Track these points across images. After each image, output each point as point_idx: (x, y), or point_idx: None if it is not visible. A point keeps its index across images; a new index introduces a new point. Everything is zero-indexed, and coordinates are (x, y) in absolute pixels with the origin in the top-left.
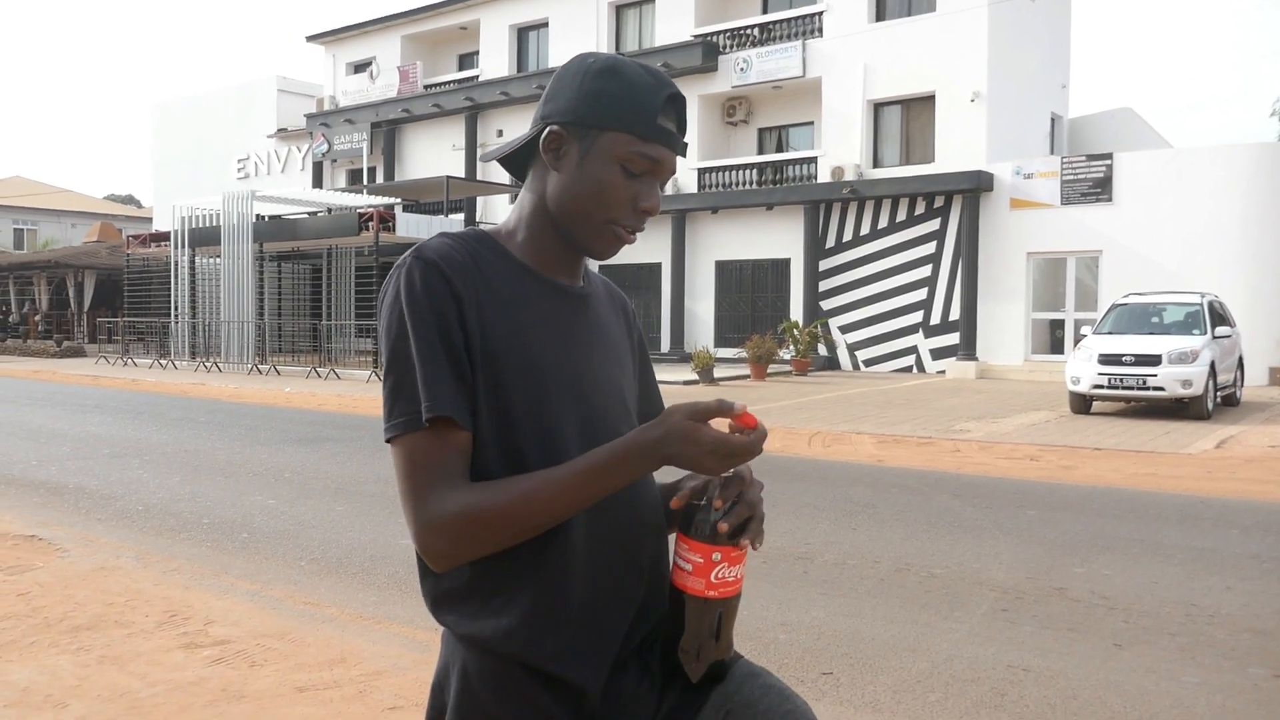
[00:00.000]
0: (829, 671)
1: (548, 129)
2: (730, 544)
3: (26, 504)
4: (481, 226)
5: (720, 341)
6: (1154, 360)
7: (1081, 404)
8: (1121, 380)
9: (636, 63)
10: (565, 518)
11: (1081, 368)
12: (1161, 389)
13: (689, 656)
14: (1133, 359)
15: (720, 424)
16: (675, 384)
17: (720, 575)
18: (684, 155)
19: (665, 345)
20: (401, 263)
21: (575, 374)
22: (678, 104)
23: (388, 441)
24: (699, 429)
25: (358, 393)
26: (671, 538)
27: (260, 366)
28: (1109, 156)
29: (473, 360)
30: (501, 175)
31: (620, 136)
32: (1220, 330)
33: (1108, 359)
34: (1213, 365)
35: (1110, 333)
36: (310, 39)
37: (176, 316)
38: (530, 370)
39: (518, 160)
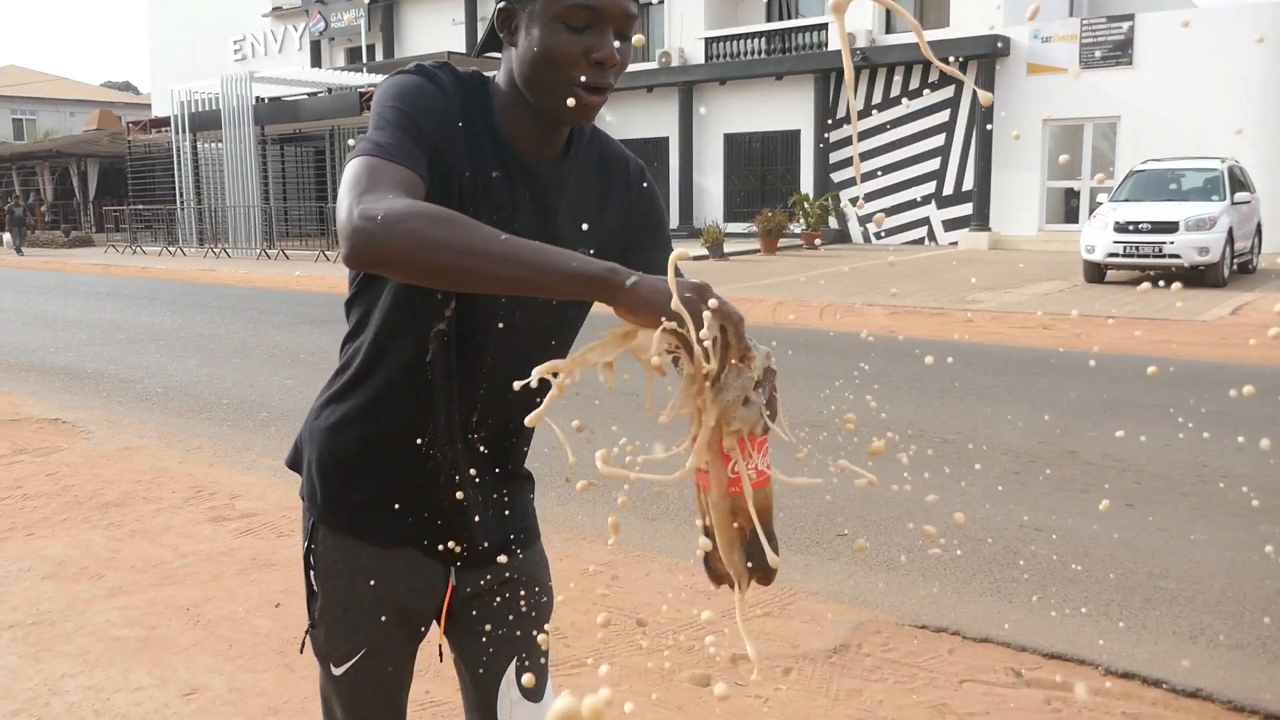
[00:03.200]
0: (844, 533)
1: (498, 6)
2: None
3: (48, 389)
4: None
5: (730, 216)
6: (1171, 227)
7: (1096, 273)
8: (1137, 248)
9: None
10: (478, 282)
11: (1096, 236)
12: (1178, 256)
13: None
14: (1149, 226)
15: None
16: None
17: (751, 467)
18: None
19: (674, 221)
20: (413, 66)
21: None
22: None
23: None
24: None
25: None
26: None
27: (268, 251)
28: (1130, 17)
29: (431, 177)
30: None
31: None
32: (1239, 196)
33: (1123, 226)
34: (1230, 232)
35: (1127, 200)
36: None
37: (182, 203)
38: None
39: (495, 47)
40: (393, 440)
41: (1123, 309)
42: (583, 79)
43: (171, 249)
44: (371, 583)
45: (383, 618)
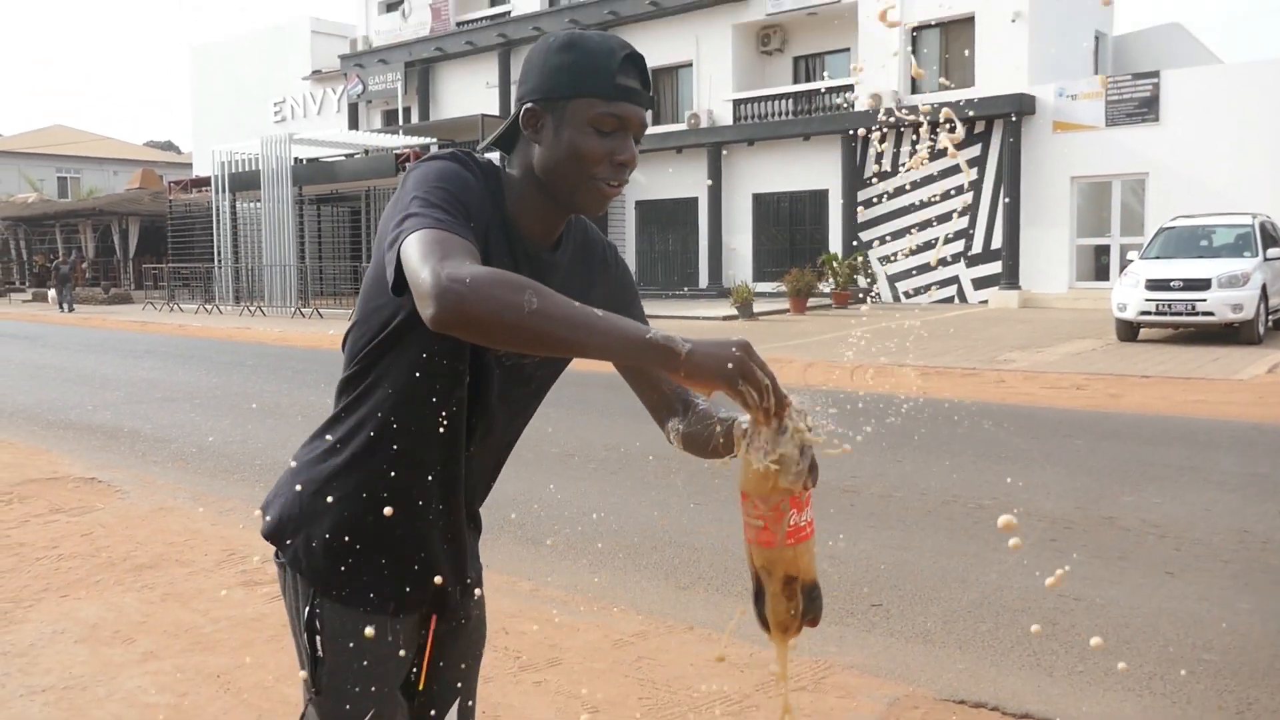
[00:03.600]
0: (879, 604)
1: (524, 107)
2: (800, 491)
3: (85, 447)
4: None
5: (759, 276)
6: (1203, 285)
7: (1128, 331)
8: (1170, 306)
9: (594, 33)
10: (549, 344)
11: (1128, 294)
12: (1211, 314)
13: (782, 609)
14: (1181, 284)
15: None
16: (714, 319)
17: (794, 521)
18: (649, 108)
19: (704, 280)
20: (443, 153)
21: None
22: (636, 62)
23: (393, 243)
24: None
25: None
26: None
27: (303, 309)
28: (1155, 75)
29: None
30: None
31: (586, 101)
32: (1272, 252)
33: (1155, 284)
34: (1264, 288)
35: (1158, 257)
36: None
37: (220, 261)
38: None
39: (507, 143)
40: (402, 510)
41: (1157, 368)
42: (605, 176)
43: (208, 307)
44: (378, 648)
45: (388, 680)
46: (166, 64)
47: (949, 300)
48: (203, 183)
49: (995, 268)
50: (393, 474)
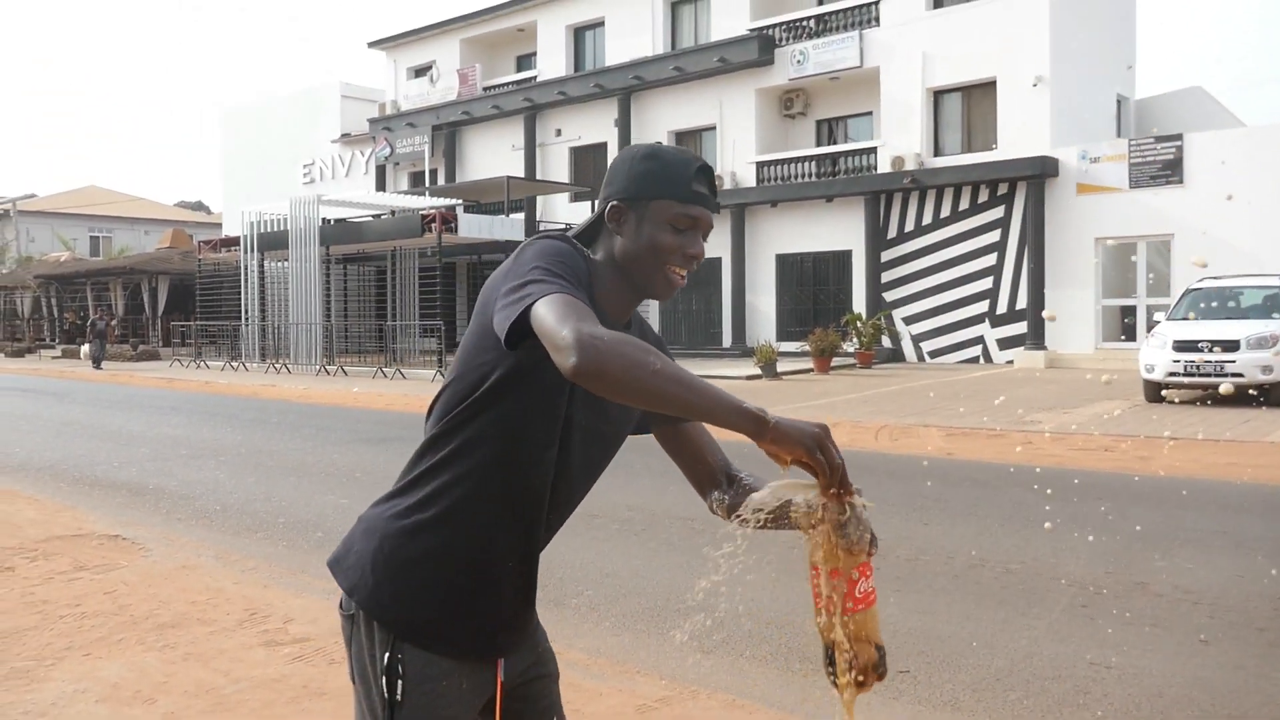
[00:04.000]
0: (905, 670)
1: (610, 205)
2: (865, 560)
3: (110, 504)
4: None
5: (782, 335)
6: (1232, 346)
7: (1156, 392)
8: (1198, 367)
9: (671, 146)
10: (665, 402)
11: (1156, 355)
12: (1241, 375)
13: (855, 670)
14: (1209, 345)
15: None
16: (738, 378)
17: (863, 589)
18: (716, 212)
19: (727, 340)
20: (555, 233)
21: (584, 402)
22: (707, 173)
23: (516, 303)
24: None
25: (423, 392)
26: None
27: (328, 367)
28: (1179, 137)
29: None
30: (560, 174)
31: (665, 203)
32: None
33: (1183, 345)
34: None
35: (1185, 318)
36: (372, 45)
37: (246, 319)
38: (557, 384)
39: (589, 235)
40: (483, 565)
41: (1186, 430)
42: (676, 266)
43: (234, 364)
44: (452, 691)
45: (457, 714)
46: (199, 126)
47: (974, 360)
48: (232, 242)
49: (1020, 328)
50: (479, 531)
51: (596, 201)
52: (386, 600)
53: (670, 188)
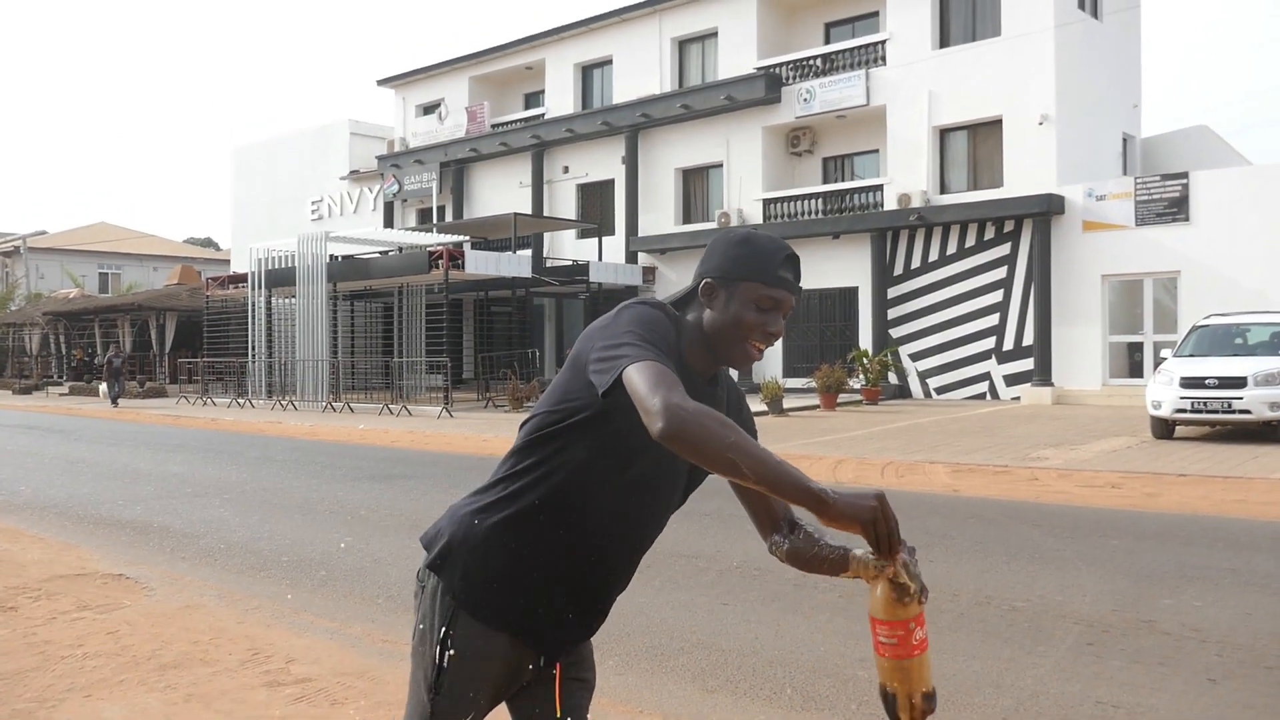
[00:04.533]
0: None
1: (704, 281)
2: (918, 610)
3: (114, 543)
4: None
5: (789, 372)
6: (1239, 383)
7: (1164, 429)
8: (1205, 404)
9: (764, 235)
10: (736, 473)
11: (1163, 392)
12: (1248, 412)
13: (913, 710)
14: (1216, 381)
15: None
16: None
17: (918, 636)
18: (798, 295)
19: (735, 375)
20: (649, 300)
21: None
22: (794, 261)
23: (611, 360)
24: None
25: (429, 429)
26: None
27: (334, 404)
28: (1184, 175)
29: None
30: (567, 210)
31: (753, 284)
32: None
33: (1190, 382)
34: None
35: (1192, 355)
36: (381, 82)
37: (254, 356)
38: (644, 431)
39: (683, 302)
40: (548, 564)
41: (1194, 466)
42: (756, 342)
43: (241, 400)
44: (494, 665)
45: (492, 694)
46: (209, 163)
47: (981, 397)
48: (240, 279)
49: (1027, 364)
50: (538, 537)
51: (693, 276)
52: (457, 576)
53: (759, 272)
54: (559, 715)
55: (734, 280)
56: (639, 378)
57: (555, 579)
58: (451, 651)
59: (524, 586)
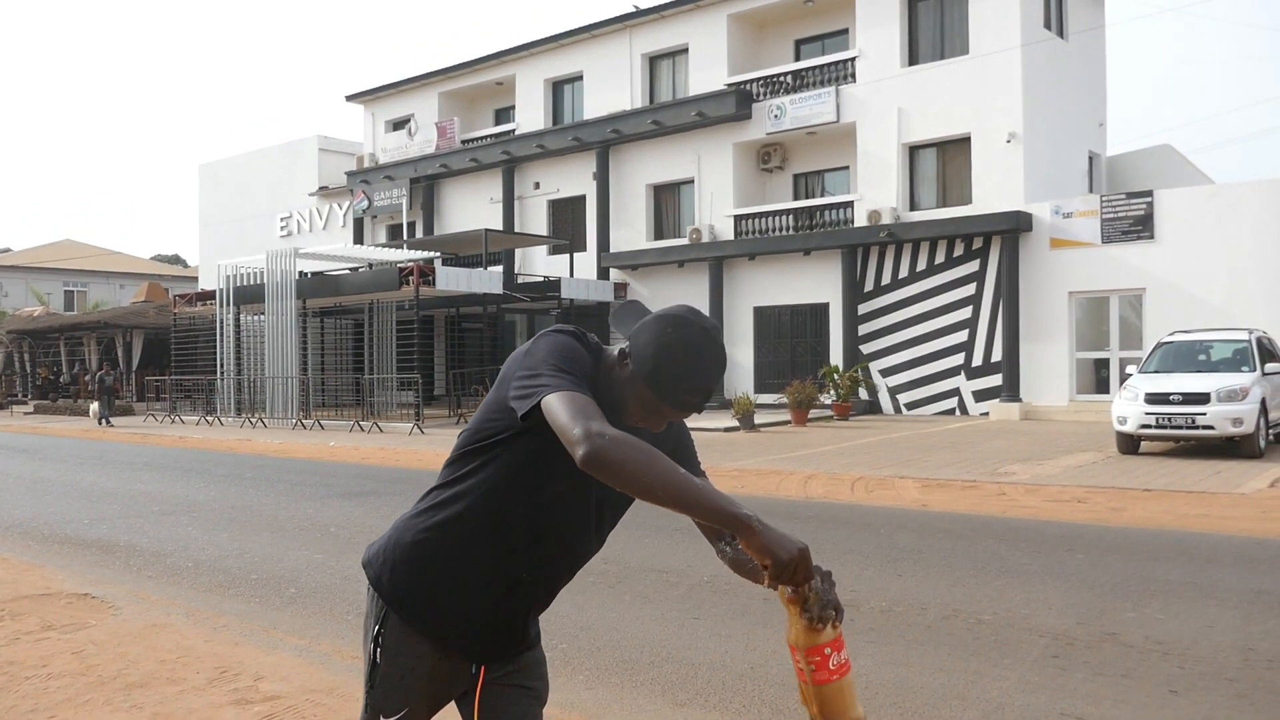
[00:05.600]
0: None
1: (621, 349)
2: (833, 635)
3: (79, 562)
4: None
5: (760, 387)
6: (1203, 399)
7: (1129, 444)
8: (1170, 420)
9: (695, 336)
10: (656, 499)
11: (1128, 408)
12: (1211, 428)
13: None
14: (1180, 398)
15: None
16: (715, 430)
17: (835, 661)
18: (699, 412)
19: None
20: (568, 329)
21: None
22: (702, 393)
23: (530, 390)
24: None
25: (400, 445)
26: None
27: (304, 421)
28: (1149, 194)
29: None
30: (538, 227)
31: (654, 394)
32: (1270, 367)
33: (1155, 398)
34: (1264, 402)
35: (1156, 371)
36: (350, 98)
37: (222, 373)
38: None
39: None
40: (465, 571)
41: (1158, 481)
42: (650, 424)
43: (209, 418)
44: (421, 666)
45: (426, 692)
46: (176, 179)
47: (950, 412)
48: (208, 296)
49: (996, 380)
50: (464, 543)
51: (627, 330)
52: (385, 577)
53: (663, 389)
54: None
55: (643, 379)
56: (559, 406)
57: (475, 588)
58: (380, 648)
59: (444, 591)
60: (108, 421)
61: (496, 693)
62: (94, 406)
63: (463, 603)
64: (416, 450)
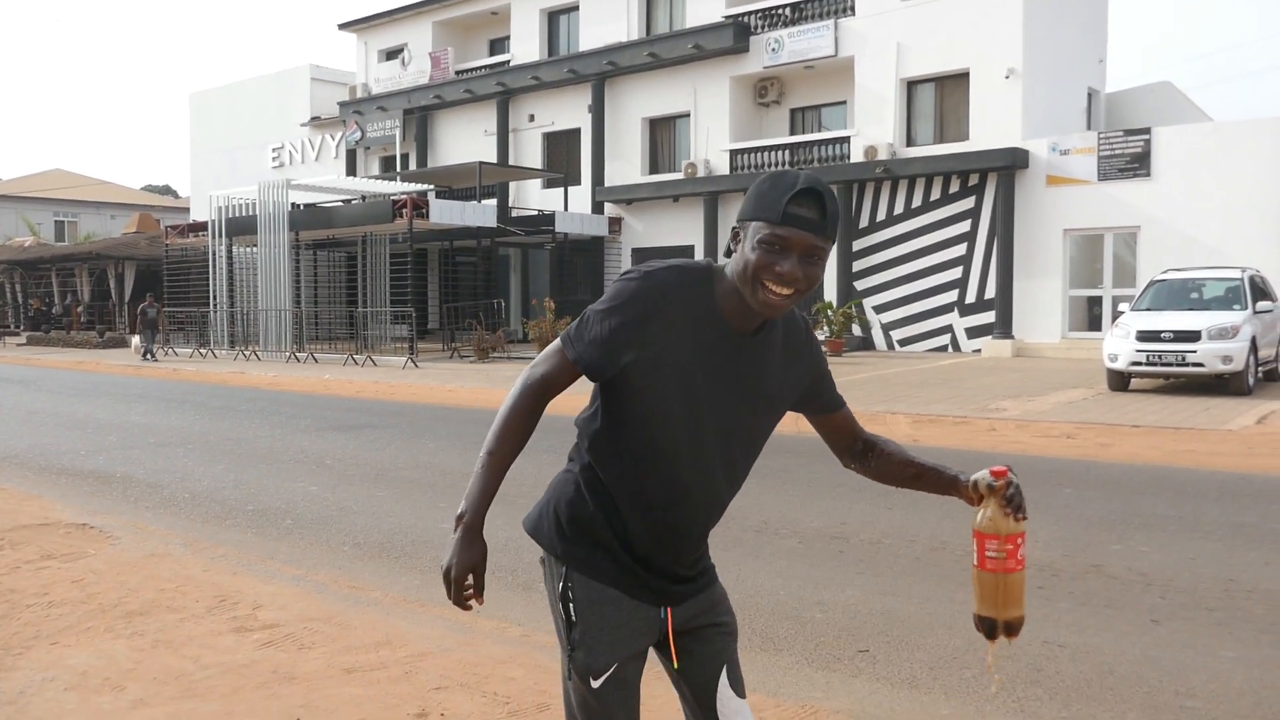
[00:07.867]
0: (865, 649)
1: (732, 228)
2: (1020, 529)
3: (77, 493)
4: (713, 265)
5: None
6: (1193, 336)
7: (1119, 381)
8: (1160, 357)
9: (795, 170)
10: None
11: (1119, 345)
12: (1201, 365)
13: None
14: (1171, 335)
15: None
16: None
17: (1022, 554)
18: (820, 234)
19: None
20: (644, 268)
21: (711, 405)
22: (810, 195)
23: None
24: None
25: (394, 379)
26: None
27: (298, 354)
28: (1147, 131)
29: (638, 360)
30: (533, 160)
31: (759, 224)
32: (1261, 305)
33: (1146, 335)
34: (1254, 340)
35: (1148, 309)
36: (342, 26)
37: (215, 306)
38: (672, 393)
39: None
40: (618, 509)
41: (1147, 418)
42: (770, 284)
43: (203, 351)
44: (617, 615)
45: (627, 641)
46: (166, 109)
47: (943, 349)
48: (200, 228)
49: (989, 317)
50: (613, 482)
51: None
52: (556, 539)
53: (764, 209)
54: (675, 667)
55: (746, 220)
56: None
57: (635, 530)
58: (573, 603)
59: (611, 536)
60: (151, 356)
61: (691, 633)
62: (135, 340)
63: (629, 546)
64: (410, 383)
